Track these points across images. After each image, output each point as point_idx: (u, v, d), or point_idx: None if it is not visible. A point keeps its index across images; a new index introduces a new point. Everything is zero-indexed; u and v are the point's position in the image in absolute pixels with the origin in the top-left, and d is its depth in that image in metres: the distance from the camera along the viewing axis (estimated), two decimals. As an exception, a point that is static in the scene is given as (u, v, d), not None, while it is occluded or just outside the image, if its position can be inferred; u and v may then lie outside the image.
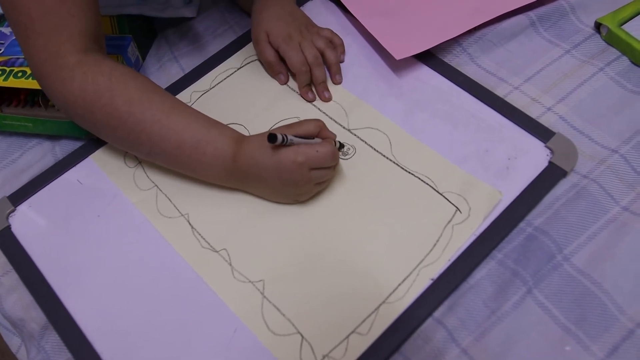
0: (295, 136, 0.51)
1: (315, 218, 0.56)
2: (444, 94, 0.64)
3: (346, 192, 0.58)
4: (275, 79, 0.67)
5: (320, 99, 0.65)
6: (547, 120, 0.60)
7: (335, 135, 0.56)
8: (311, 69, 0.64)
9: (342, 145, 0.59)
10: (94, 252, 0.56)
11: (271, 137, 0.48)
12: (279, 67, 0.66)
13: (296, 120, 0.63)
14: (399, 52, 0.63)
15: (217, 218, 0.57)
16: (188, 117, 0.54)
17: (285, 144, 0.50)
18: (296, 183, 0.53)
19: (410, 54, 0.64)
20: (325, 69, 0.66)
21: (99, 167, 0.62)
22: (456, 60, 0.67)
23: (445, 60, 0.67)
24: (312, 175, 0.53)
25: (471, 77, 0.64)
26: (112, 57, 0.65)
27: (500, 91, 0.63)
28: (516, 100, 0.62)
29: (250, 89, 0.67)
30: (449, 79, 0.65)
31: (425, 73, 0.66)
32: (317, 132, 0.53)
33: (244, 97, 0.66)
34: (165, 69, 0.71)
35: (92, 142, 0.64)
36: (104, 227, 0.58)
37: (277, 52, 0.65)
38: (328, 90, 0.65)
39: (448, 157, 0.59)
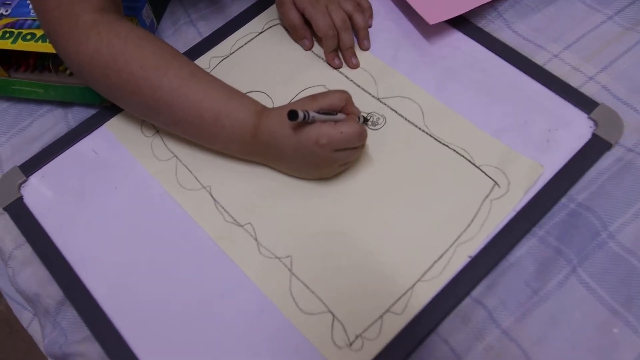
0: (319, 111, 0.48)
1: (344, 192, 0.53)
2: (478, 62, 0.60)
3: (377, 164, 0.54)
4: (299, 44, 0.63)
5: (348, 65, 0.61)
6: (589, 90, 0.57)
7: (359, 111, 0.52)
8: (338, 33, 0.60)
9: (366, 120, 0.56)
10: (111, 226, 0.54)
11: (291, 114, 0.44)
12: (303, 31, 0.62)
13: (322, 88, 0.60)
14: (433, 17, 0.59)
15: (240, 191, 0.54)
16: (207, 85, 0.51)
17: (306, 121, 0.46)
18: (318, 165, 0.51)
19: (444, 18, 0.60)
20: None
21: (115, 136, 0.59)
22: (491, 25, 0.63)
23: (480, 25, 0.63)
24: (335, 156, 0.49)
25: (507, 43, 0.61)
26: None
27: (538, 59, 0.60)
28: (555, 68, 0.59)
29: (272, 55, 0.63)
30: (484, 46, 0.61)
31: (458, 39, 0.62)
32: (343, 105, 0.50)
33: (266, 64, 0.62)
34: (181, 33, 0.67)
35: (106, 110, 0.60)
36: (122, 200, 0.55)
37: (302, 15, 0.61)
38: (356, 56, 0.61)
39: (484, 129, 0.56)
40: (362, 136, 0.49)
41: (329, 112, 0.49)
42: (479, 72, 0.59)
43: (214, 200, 0.54)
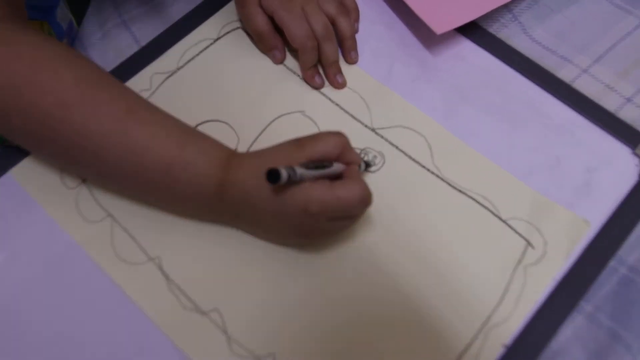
0: (308, 164, 0.35)
1: (337, 262, 0.41)
2: (493, 79, 0.48)
3: (377, 222, 0.42)
4: (267, 56, 0.49)
5: (332, 85, 0.48)
6: (628, 114, 0.47)
7: (359, 158, 0.39)
8: (319, 43, 0.46)
9: (368, 165, 0.43)
10: (21, 319, 0.39)
11: (271, 175, 0.32)
12: (273, 41, 0.48)
13: (300, 115, 0.47)
14: (440, 25, 0.47)
15: (202, 263, 0.41)
16: (152, 125, 0.37)
17: (292, 181, 0.33)
18: (305, 235, 0.39)
19: (454, 26, 0.48)
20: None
21: (23, 187, 0.43)
22: (504, 30, 0.51)
23: (491, 30, 0.51)
24: (329, 227, 0.38)
25: (525, 54, 0.49)
26: (33, 25, 0.46)
27: (564, 74, 0.49)
28: (585, 87, 0.48)
29: (233, 70, 0.49)
30: (498, 58, 0.49)
31: (466, 48, 0.50)
32: (338, 152, 0.37)
33: (225, 82, 0.48)
34: (111, 40, 0.51)
35: (10, 151, 0.45)
36: (33, 279, 0.40)
37: (271, 18, 0.47)
38: (341, 73, 0.48)
39: (508, 168, 0.44)
40: (366, 202, 0.36)
41: (321, 163, 0.36)
42: (494, 91, 0.48)
43: (166, 277, 0.40)
